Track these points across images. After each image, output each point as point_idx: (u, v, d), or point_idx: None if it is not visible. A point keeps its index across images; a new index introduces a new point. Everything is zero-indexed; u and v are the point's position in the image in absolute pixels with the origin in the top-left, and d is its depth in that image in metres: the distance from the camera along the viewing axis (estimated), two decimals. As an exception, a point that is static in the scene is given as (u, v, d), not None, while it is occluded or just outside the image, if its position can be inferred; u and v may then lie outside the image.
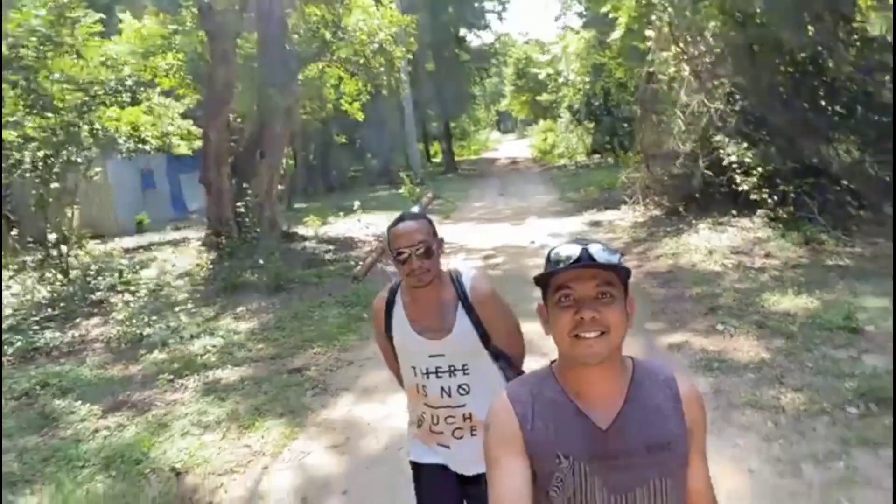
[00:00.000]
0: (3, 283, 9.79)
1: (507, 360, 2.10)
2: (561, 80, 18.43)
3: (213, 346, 6.43)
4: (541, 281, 1.25)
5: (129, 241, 15.02)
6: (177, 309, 7.91)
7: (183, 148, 15.02)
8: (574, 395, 1.23)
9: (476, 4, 32.15)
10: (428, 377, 2.06)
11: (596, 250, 1.20)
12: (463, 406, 2.06)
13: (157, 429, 4.54)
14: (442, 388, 2.05)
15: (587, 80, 18.27)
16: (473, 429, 2.06)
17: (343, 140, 29.28)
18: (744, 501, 3.08)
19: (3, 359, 6.61)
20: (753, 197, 8.65)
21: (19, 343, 6.92)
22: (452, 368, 2.05)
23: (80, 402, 5.14)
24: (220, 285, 9.10)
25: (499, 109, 77.47)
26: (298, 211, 19.28)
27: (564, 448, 1.20)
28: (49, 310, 8.63)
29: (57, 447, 4.36)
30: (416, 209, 15.28)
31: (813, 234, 7.69)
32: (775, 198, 8.48)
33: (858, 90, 9.54)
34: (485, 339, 2.04)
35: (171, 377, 5.58)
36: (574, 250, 1.20)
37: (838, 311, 5.15)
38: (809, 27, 9.80)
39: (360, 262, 9.85)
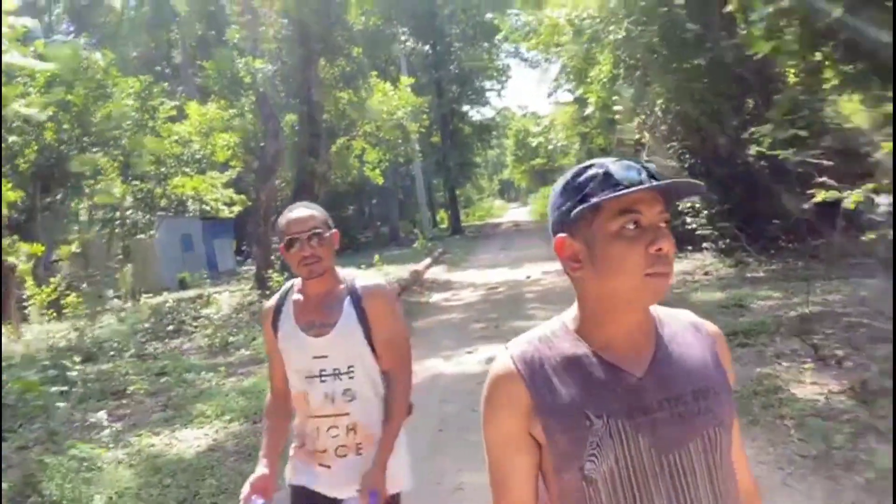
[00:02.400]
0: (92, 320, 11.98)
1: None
2: (551, 147, 21.11)
3: (286, 344, 8.58)
4: (583, 205, 0.99)
5: (176, 295, 17.23)
6: (247, 328, 10.08)
7: (225, 212, 17.53)
8: (600, 346, 1.02)
9: (477, 84, 35.44)
10: (311, 382, 1.96)
11: (654, 168, 1.00)
12: (347, 414, 1.95)
13: (256, 385, 6.65)
14: (325, 394, 1.95)
15: (576, 146, 20.92)
16: (360, 447, 1.96)
17: (350, 210, 31.95)
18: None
19: (124, 360, 8.74)
20: (699, 233, 10.89)
21: (133, 349, 9.07)
22: (337, 371, 1.94)
23: (203, 372, 7.28)
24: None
25: (501, 179, 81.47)
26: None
27: (595, 406, 0.98)
28: (136, 336, 10.78)
29: (202, 391, 6.49)
30: (428, 260, 17.61)
31: (742, 258, 9.90)
32: (717, 233, 10.72)
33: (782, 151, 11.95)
34: (370, 338, 1.96)
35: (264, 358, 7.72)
36: (634, 169, 0.98)
37: (736, 298, 7.32)
38: (749, 100, 12.32)
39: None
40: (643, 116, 12.61)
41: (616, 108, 13.44)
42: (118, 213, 12.36)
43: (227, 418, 5.39)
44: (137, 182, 12.53)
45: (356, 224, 32.78)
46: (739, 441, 1.11)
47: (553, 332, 1.07)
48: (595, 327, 1.04)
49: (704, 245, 10.93)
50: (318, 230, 1.92)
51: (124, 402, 6.37)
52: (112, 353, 8.86)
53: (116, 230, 12.57)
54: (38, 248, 13.12)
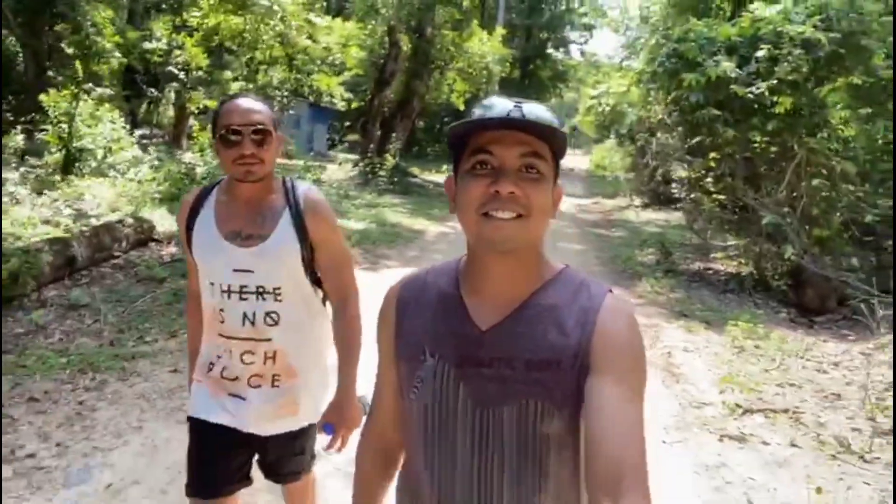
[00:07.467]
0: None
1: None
2: (600, 109, 25.26)
3: (388, 203, 13.68)
4: (454, 142, 1.02)
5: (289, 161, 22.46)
6: (358, 190, 15.21)
7: (341, 106, 22.48)
8: (469, 291, 1.06)
9: (562, 35, 38.89)
10: (229, 297, 1.73)
11: (532, 109, 0.96)
12: (269, 340, 1.74)
13: (377, 214, 11.71)
14: (245, 315, 1.73)
15: (630, 110, 24.97)
16: (277, 378, 1.77)
17: (422, 124, 36.31)
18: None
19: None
20: (677, 195, 15.38)
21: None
22: (261, 290, 1.72)
23: (343, 202, 12.38)
24: (376, 186, 16.26)
25: (572, 125, 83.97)
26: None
27: (433, 344, 1.06)
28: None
29: (346, 209, 11.59)
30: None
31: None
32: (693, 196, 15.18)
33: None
34: (307, 260, 1.76)
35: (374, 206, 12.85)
36: (504, 105, 0.96)
37: (677, 229, 11.99)
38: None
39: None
40: (663, 104, 16.81)
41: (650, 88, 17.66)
42: (277, 92, 17.34)
43: (367, 221, 10.57)
44: (294, 73, 17.45)
45: (428, 137, 37.36)
46: (621, 420, 0.91)
47: (443, 268, 1.13)
48: (468, 270, 1.07)
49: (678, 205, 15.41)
50: (263, 126, 1.67)
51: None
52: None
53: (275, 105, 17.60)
54: (213, 103, 18.36)
